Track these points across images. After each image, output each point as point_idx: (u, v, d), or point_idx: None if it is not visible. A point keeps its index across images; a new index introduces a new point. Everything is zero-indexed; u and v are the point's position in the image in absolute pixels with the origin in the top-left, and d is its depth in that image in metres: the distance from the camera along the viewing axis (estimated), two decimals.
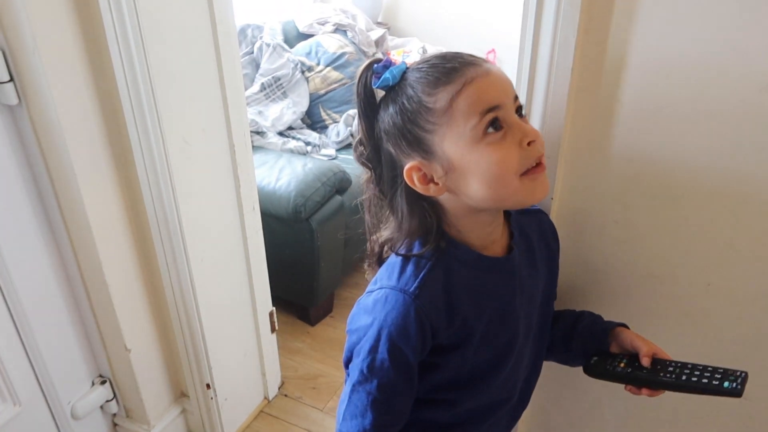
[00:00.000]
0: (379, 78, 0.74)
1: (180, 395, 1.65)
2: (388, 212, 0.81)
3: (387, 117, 0.75)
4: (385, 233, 0.82)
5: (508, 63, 3.25)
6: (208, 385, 1.54)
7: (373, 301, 0.77)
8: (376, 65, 0.75)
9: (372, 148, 0.78)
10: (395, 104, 0.74)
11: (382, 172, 0.79)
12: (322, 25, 2.74)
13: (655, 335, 0.97)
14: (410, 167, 0.74)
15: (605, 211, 0.92)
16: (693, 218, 0.87)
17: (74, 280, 1.37)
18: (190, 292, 1.40)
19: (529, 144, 0.71)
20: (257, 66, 2.47)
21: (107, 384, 1.52)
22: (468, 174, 0.72)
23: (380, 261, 0.83)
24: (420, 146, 0.73)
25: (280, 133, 2.36)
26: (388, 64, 0.75)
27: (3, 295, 1.25)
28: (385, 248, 0.82)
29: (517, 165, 0.71)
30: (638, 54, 0.80)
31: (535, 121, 0.88)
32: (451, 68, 0.71)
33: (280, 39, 2.55)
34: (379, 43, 2.88)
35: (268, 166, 1.98)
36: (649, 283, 0.94)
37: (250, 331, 1.66)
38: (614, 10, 0.79)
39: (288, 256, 1.93)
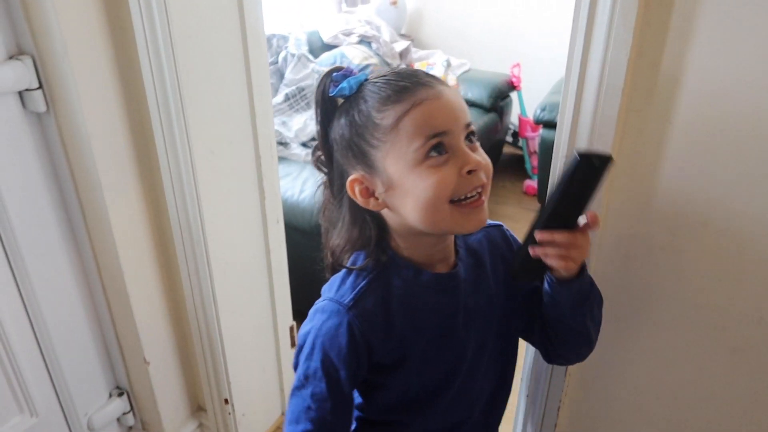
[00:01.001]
0: (337, 87, 0.75)
1: (197, 409, 1.62)
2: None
3: (338, 127, 0.76)
4: (333, 241, 0.83)
5: (535, 76, 3.22)
6: (226, 400, 1.51)
7: (313, 311, 0.80)
8: (335, 74, 0.76)
9: (326, 155, 0.80)
10: (348, 115, 0.74)
11: (333, 178, 0.80)
12: (347, 36, 2.74)
13: (700, 368, 0.93)
14: (353, 179, 0.75)
15: (652, 237, 0.88)
16: (745, 248, 0.83)
17: (95, 290, 1.35)
18: (211, 305, 1.37)
19: (469, 173, 0.70)
20: (282, 76, 2.46)
21: (125, 396, 1.50)
22: (405, 194, 0.72)
23: (334, 271, 0.84)
24: (364, 160, 0.73)
25: (304, 144, 2.34)
26: (347, 74, 0.76)
27: (24, 304, 1.23)
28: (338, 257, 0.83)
29: (451, 191, 0.70)
30: (693, 75, 0.77)
31: (581, 141, 0.85)
32: (402, 87, 0.71)
33: (305, 49, 2.54)
34: (403, 55, 2.87)
35: (291, 178, 1.96)
36: (696, 314, 0.90)
37: (269, 345, 1.62)
38: (669, 31, 0.76)
39: (309, 270, 1.89)
